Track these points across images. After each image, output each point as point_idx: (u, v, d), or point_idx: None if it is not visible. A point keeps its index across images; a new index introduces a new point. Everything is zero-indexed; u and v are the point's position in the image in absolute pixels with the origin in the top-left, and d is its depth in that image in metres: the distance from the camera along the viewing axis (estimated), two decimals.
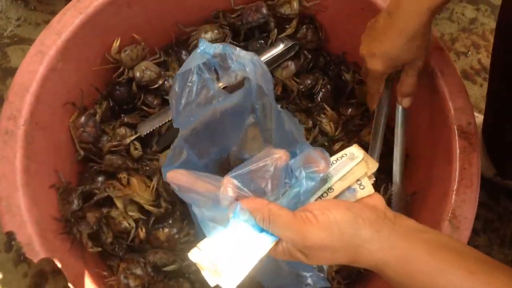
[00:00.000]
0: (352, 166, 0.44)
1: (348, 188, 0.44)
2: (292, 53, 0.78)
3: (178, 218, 0.71)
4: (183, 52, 0.79)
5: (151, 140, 0.76)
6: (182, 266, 0.68)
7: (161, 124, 0.75)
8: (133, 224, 0.67)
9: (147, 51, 0.76)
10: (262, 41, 0.77)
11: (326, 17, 0.78)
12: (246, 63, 0.46)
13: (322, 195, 0.44)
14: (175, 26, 0.78)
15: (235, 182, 0.40)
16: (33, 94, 0.62)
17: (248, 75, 0.47)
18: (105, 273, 0.63)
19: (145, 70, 0.74)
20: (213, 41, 0.75)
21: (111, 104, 0.76)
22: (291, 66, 0.78)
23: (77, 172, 0.72)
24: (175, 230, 0.69)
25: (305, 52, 0.79)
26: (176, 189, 0.45)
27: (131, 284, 0.62)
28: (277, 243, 0.41)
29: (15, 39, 0.99)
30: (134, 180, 0.68)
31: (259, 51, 0.77)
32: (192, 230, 0.70)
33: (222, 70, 0.48)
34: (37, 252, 0.54)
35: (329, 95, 0.80)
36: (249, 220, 0.40)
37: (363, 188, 0.44)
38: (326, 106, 0.78)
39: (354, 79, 0.78)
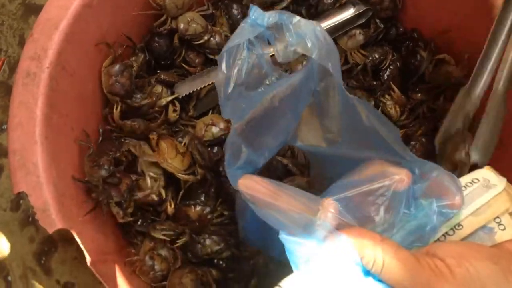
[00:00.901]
0: (489, 197, 0.34)
1: (483, 227, 0.34)
2: (363, 20, 0.66)
3: (213, 196, 0.61)
4: (235, 7, 0.69)
5: (188, 103, 0.67)
6: (213, 252, 0.59)
7: (202, 87, 0.66)
8: (163, 195, 0.58)
9: (194, 0, 0.66)
10: None
11: None
12: (308, 35, 0.37)
13: (447, 232, 0.34)
14: None
15: (338, 206, 0.31)
16: (63, 32, 0.52)
17: (309, 51, 0.37)
18: (132, 250, 0.54)
19: (190, 22, 0.64)
20: None
21: (147, 57, 0.66)
22: (359, 35, 0.67)
23: (102, 130, 0.62)
24: (208, 210, 0.60)
25: (377, 20, 0.68)
26: (250, 201, 0.35)
27: (156, 266, 0.53)
28: None
29: None
30: (163, 144, 0.59)
31: (325, 14, 0.66)
32: (226, 212, 0.61)
33: (278, 44, 0.39)
34: (52, 220, 0.45)
35: (398, 73, 0.69)
36: (354, 258, 0.30)
37: (503, 229, 0.34)
38: (393, 85, 0.67)
39: (430, 58, 0.67)
